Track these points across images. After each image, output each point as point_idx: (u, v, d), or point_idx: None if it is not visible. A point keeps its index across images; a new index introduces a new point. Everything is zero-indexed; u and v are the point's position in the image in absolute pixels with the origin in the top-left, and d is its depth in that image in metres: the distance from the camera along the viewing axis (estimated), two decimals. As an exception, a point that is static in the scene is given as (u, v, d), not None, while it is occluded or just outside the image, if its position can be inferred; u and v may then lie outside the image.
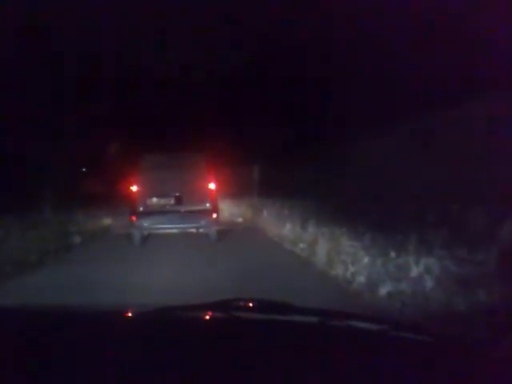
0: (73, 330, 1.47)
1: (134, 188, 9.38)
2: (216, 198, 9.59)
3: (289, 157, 14.57)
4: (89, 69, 12.68)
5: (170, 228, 9.53)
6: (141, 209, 9.30)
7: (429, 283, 4.50)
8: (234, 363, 1.20)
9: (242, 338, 1.40)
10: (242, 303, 1.67)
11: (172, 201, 9.32)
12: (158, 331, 1.45)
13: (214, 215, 9.40)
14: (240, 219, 13.90)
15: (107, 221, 13.29)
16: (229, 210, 15.69)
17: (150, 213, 9.26)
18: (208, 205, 9.37)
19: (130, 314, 1.77)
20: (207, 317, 1.69)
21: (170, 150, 9.95)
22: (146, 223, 9.26)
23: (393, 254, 5.60)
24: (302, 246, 8.45)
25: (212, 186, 9.43)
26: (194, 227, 9.78)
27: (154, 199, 9.35)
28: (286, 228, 10.15)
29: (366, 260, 5.88)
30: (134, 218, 9.27)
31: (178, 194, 9.29)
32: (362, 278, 5.47)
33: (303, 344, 1.36)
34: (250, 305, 1.68)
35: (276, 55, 11.62)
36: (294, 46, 10.82)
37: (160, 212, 9.28)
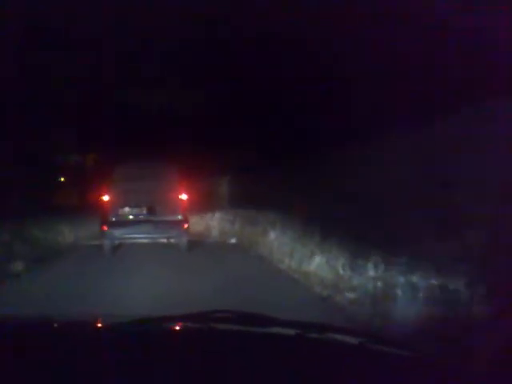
0: (45, 341, 1.42)
1: (106, 198, 9.48)
2: (187, 208, 9.80)
3: (259, 168, 14.44)
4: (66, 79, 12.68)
5: (141, 238, 9.67)
6: (113, 218, 9.40)
7: None
8: (211, 375, 1.19)
9: (219, 350, 1.39)
10: (220, 315, 1.64)
11: (144, 211, 9.45)
12: (133, 342, 1.43)
13: (185, 226, 9.60)
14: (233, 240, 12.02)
15: (70, 235, 12.15)
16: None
17: (121, 222, 9.36)
18: (179, 215, 9.56)
19: (104, 325, 1.73)
20: (185, 328, 1.67)
21: (142, 161, 10.05)
22: (117, 233, 9.35)
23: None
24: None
25: (184, 196, 9.63)
26: (166, 237, 9.97)
27: (126, 209, 9.45)
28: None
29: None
30: (105, 228, 9.35)
31: (150, 204, 9.43)
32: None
33: (282, 357, 1.35)
34: (229, 316, 1.65)
35: (250, 64, 11.85)
36: (268, 52, 11.07)
37: (132, 222, 9.40)
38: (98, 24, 11.12)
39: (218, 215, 14.37)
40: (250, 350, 1.40)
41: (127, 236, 9.50)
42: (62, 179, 25.09)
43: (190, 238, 9.91)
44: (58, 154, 18.35)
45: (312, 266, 7.45)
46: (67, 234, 12.06)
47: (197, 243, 10.50)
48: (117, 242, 9.66)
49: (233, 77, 12.29)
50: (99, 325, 1.78)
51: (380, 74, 7.70)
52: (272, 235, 10.04)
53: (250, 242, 10.95)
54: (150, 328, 1.61)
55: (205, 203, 15.71)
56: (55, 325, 1.68)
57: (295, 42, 9.95)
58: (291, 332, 1.52)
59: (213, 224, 14.25)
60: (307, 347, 1.48)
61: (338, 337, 1.53)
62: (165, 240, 10.11)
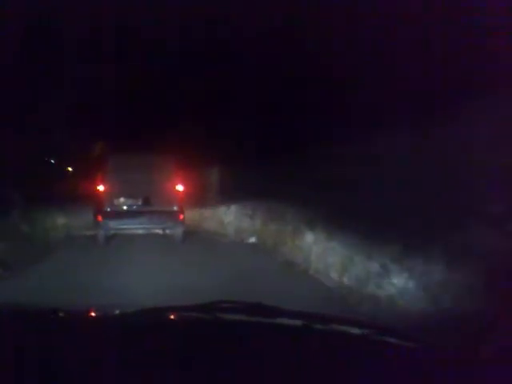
0: (55, 332, 1.43)
1: (101, 188, 9.39)
2: (183, 199, 9.72)
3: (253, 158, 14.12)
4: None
5: (136, 228, 9.61)
6: (108, 209, 9.31)
7: None
8: (219, 365, 1.21)
9: (225, 340, 1.41)
10: (228, 305, 1.66)
11: (139, 201, 9.38)
12: (143, 332, 1.44)
13: (181, 216, 9.53)
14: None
15: (64, 225, 11.80)
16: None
17: (116, 213, 9.28)
18: (175, 206, 9.48)
19: (109, 316, 1.75)
20: (190, 318, 1.67)
21: (138, 151, 9.97)
22: (112, 223, 9.28)
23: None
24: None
25: (179, 187, 9.55)
26: (161, 228, 9.90)
27: (122, 199, 9.37)
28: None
29: None
30: (100, 218, 9.26)
31: (145, 195, 9.35)
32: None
33: (289, 347, 1.37)
34: (234, 306, 1.67)
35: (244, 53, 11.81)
36: (258, 39, 11.03)
37: (127, 212, 9.33)
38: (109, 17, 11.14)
39: (233, 209, 12.49)
40: (256, 340, 1.41)
41: (122, 227, 9.43)
42: (70, 169, 25.15)
43: (185, 229, 9.83)
44: (66, 145, 18.16)
45: (387, 289, 5.12)
46: (61, 224, 11.84)
47: (208, 243, 9.91)
48: (111, 232, 9.58)
49: (230, 66, 12.26)
50: (104, 315, 1.78)
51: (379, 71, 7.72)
52: (309, 237, 7.86)
53: (275, 243, 9.10)
54: (155, 318, 1.61)
55: (214, 195, 15.07)
56: (61, 316, 1.65)
57: (294, 37, 9.95)
58: (297, 322, 1.53)
59: (228, 219, 12.42)
60: (313, 337, 1.48)
61: (344, 328, 1.55)
62: (160, 231, 10.03)
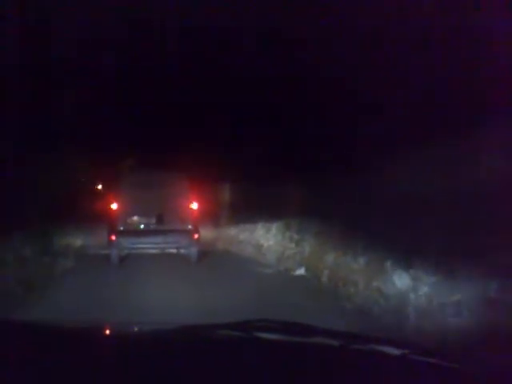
0: (92, 347, 1.46)
1: (114, 206, 9.18)
2: (198, 218, 9.46)
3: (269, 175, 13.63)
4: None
5: (150, 248, 9.37)
6: (121, 228, 9.09)
7: None
8: None
9: (263, 359, 1.40)
10: (263, 324, 1.64)
11: (153, 220, 9.15)
12: (178, 350, 1.45)
13: (196, 236, 9.25)
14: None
15: (81, 243, 11.63)
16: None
17: (130, 232, 9.06)
18: (190, 225, 9.22)
19: (149, 332, 1.76)
20: (227, 337, 1.66)
21: (149, 168, 9.82)
22: (125, 242, 9.06)
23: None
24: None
25: (194, 205, 9.30)
26: (175, 247, 9.63)
27: (135, 218, 9.16)
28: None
29: None
30: (113, 237, 9.03)
31: (159, 213, 9.12)
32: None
33: (325, 367, 1.36)
34: (271, 325, 1.65)
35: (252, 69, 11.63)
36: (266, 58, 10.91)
37: (140, 231, 9.10)
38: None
39: (274, 230, 10.81)
40: (293, 360, 1.41)
41: (135, 246, 9.20)
42: (99, 187, 25.28)
43: (200, 249, 9.53)
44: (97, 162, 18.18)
45: None
46: (75, 243, 11.80)
47: (242, 274, 7.97)
48: (125, 251, 9.35)
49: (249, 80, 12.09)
50: (139, 332, 1.79)
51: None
52: (402, 280, 5.59)
53: (335, 280, 6.95)
54: (191, 336, 1.62)
55: (236, 213, 13.88)
56: (96, 332, 1.69)
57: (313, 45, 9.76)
58: (334, 342, 1.52)
59: (267, 243, 10.56)
60: (350, 357, 1.47)
61: (381, 348, 1.51)
62: (174, 250, 9.76)
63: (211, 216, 13.06)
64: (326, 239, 8.39)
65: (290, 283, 7.49)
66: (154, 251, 9.56)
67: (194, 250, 9.33)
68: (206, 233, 13.07)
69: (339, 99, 9.28)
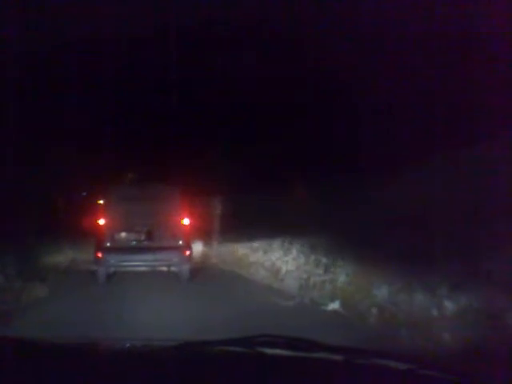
0: (88, 364, 1.45)
1: (102, 221, 8.70)
2: (190, 234, 8.99)
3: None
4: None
5: (139, 266, 8.88)
6: (108, 244, 8.61)
7: None
8: None
9: (266, 374, 1.41)
10: (266, 339, 1.64)
11: (142, 236, 8.68)
12: (182, 366, 1.45)
13: (187, 252, 8.78)
14: None
15: (67, 258, 11.33)
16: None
17: (117, 249, 8.58)
18: (181, 241, 8.74)
19: (150, 349, 1.73)
20: (231, 352, 1.64)
21: (138, 181, 9.35)
22: (112, 260, 8.58)
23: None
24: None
25: (186, 221, 8.83)
26: (166, 265, 9.13)
27: (123, 234, 8.69)
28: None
29: None
30: (99, 255, 8.55)
31: (148, 229, 8.66)
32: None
33: (329, 382, 1.37)
34: (274, 341, 1.64)
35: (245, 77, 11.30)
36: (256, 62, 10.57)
37: (129, 248, 8.61)
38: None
39: (296, 251, 9.06)
40: (297, 375, 1.43)
41: (123, 264, 8.71)
42: (100, 201, 24.69)
43: (192, 266, 9.04)
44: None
45: None
46: (68, 257, 11.46)
47: (255, 305, 6.19)
48: (112, 269, 8.85)
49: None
50: (146, 349, 1.75)
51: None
52: None
53: (394, 321, 5.19)
54: (194, 352, 1.62)
55: (252, 228, 11.57)
56: (98, 348, 1.70)
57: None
58: (338, 357, 1.52)
59: (286, 267, 8.81)
60: (355, 372, 1.46)
61: (386, 362, 1.49)
62: (165, 268, 9.26)
63: (210, 232, 12.26)
64: (371, 267, 6.44)
65: (321, 322, 5.47)
66: (143, 269, 9.04)
67: (185, 268, 8.85)
68: (207, 251, 12.34)
69: (350, 104, 8.91)
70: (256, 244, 10.65)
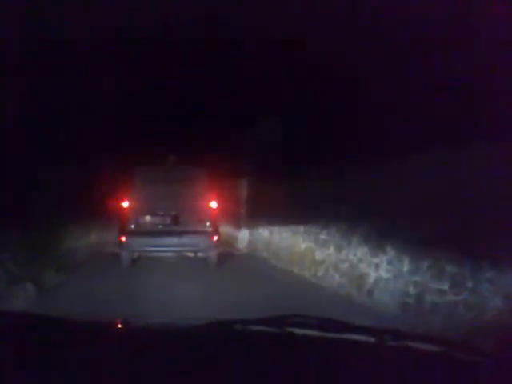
0: (122, 341, 1.47)
1: (125, 204, 8.29)
2: (217, 218, 8.50)
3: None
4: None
5: (164, 251, 8.46)
6: (132, 227, 8.20)
7: None
8: (288, 380, 1.22)
9: (298, 354, 1.41)
10: (295, 319, 1.66)
11: (168, 220, 8.25)
12: (213, 345, 1.45)
13: (215, 238, 8.30)
14: None
15: (96, 239, 11.41)
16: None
17: (142, 233, 8.17)
18: (208, 226, 8.26)
19: (182, 327, 1.74)
20: (261, 332, 1.64)
21: (164, 162, 8.85)
22: (136, 244, 8.18)
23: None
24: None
25: (213, 204, 8.33)
26: (192, 250, 8.69)
27: (148, 217, 8.28)
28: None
29: None
30: (123, 238, 8.16)
31: (174, 213, 8.21)
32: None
33: (360, 363, 1.34)
34: (305, 321, 1.65)
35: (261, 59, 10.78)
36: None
37: (153, 232, 8.19)
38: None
39: (391, 250, 5.89)
40: (328, 356, 1.41)
41: (147, 249, 8.30)
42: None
43: (220, 252, 8.57)
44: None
45: None
46: (92, 240, 11.10)
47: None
48: (136, 254, 8.46)
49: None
50: (171, 327, 1.76)
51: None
52: None
53: None
54: (224, 331, 1.62)
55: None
56: (126, 325, 1.67)
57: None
58: (370, 339, 1.51)
59: (375, 272, 6.08)
60: (387, 354, 1.46)
61: (417, 344, 1.47)
62: (191, 254, 8.81)
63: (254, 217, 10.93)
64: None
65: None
66: (168, 254, 8.62)
67: (213, 254, 8.41)
68: (253, 240, 10.93)
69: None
70: (323, 236, 7.68)
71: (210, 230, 8.28)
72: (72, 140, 12.30)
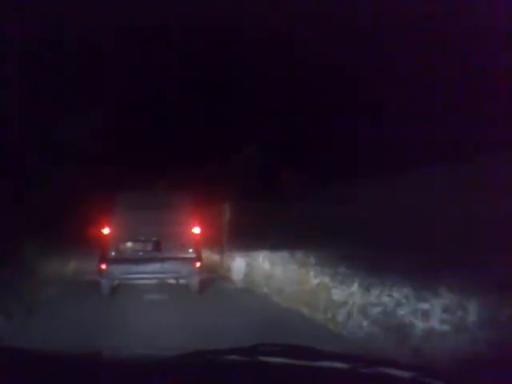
0: (96, 375, 1.45)
1: (106, 230, 8.12)
2: (200, 243, 8.38)
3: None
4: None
5: (145, 278, 8.27)
6: (112, 254, 8.02)
7: None
8: None
9: (269, 383, 1.41)
10: (266, 348, 1.65)
11: (149, 246, 8.09)
12: (188, 376, 1.45)
13: (198, 264, 8.16)
14: None
15: (75, 268, 11.13)
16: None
17: (122, 260, 7.99)
18: (191, 252, 8.13)
19: (155, 357, 1.72)
20: (232, 361, 1.63)
21: (145, 187, 8.75)
22: (117, 271, 7.99)
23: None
24: None
25: (196, 230, 8.22)
26: (174, 277, 8.52)
27: (129, 244, 8.11)
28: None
29: None
30: (103, 266, 7.96)
31: (156, 239, 8.07)
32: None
33: None
34: (276, 349, 1.64)
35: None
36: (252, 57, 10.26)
37: (135, 259, 8.01)
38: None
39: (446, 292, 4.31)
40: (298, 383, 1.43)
41: (128, 276, 8.09)
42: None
43: (202, 278, 8.41)
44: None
45: None
46: (70, 267, 10.92)
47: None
48: (116, 282, 8.26)
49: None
50: (144, 359, 1.74)
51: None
52: None
53: None
54: (200, 361, 1.61)
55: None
56: (102, 358, 1.65)
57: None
58: (341, 365, 1.51)
59: (422, 323, 4.44)
60: (359, 381, 1.46)
61: (389, 370, 1.47)
62: (173, 281, 8.64)
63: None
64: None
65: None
66: (149, 281, 8.43)
67: (195, 281, 8.25)
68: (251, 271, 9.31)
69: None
70: (343, 269, 6.38)
71: (192, 256, 8.14)
72: (48, 165, 12.16)
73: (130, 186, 9.09)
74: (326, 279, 6.52)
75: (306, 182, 11.02)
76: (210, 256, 11.73)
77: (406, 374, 1.45)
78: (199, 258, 8.23)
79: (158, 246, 8.07)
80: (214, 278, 9.71)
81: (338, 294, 6.10)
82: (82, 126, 13.04)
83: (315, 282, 6.79)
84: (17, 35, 8.68)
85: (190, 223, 8.20)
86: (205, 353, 1.64)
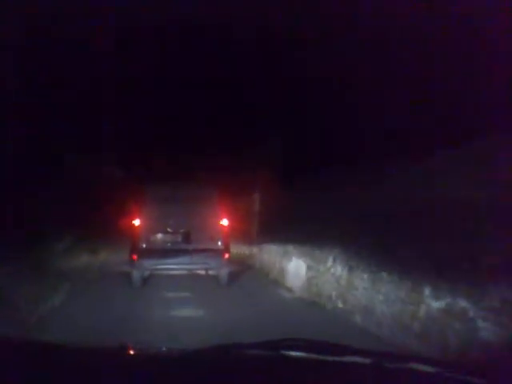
0: (120, 370, 1.45)
1: (137, 222, 8.28)
2: (228, 235, 8.47)
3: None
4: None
5: (175, 269, 8.44)
6: (143, 246, 8.19)
7: None
8: None
9: (293, 378, 1.41)
10: (291, 343, 1.63)
11: (179, 238, 8.22)
12: (212, 369, 1.47)
13: (226, 255, 8.26)
14: None
15: (103, 259, 11.54)
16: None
17: (153, 251, 8.15)
18: (220, 243, 8.23)
19: (179, 352, 1.75)
20: (257, 356, 1.66)
21: (177, 180, 8.85)
22: (148, 263, 8.16)
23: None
24: None
25: (224, 222, 8.31)
26: (203, 268, 8.65)
27: (159, 235, 8.26)
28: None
29: None
30: (134, 257, 8.15)
31: (185, 231, 8.18)
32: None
33: None
34: (300, 344, 1.64)
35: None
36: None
37: (165, 250, 8.16)
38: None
39: None
40: (325, 379, 1.41)
41: (159, 267, 8.27)
42: None
43: (231, 270, 8.52)
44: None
45: None
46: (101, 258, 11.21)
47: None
48: (147, 272, 8.44)
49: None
50: (171, 353, 1.80)
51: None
52: None
53: None
54: (223, 355, 1.61)
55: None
56: (127, 352, 1.68)
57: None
58: (366, 361, 1.50)
59: None
60: (382, 376, 1.44)
61: (413, 365, 1.47)
62: (202, 272, 8.78)
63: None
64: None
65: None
66: (179, 272, 8.59)
67: (224, 272, 8.36)
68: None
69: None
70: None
71: (221, 247, 8.25)
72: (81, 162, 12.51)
73: (159, 178, 9.19)
74: (463, 303, 3.94)
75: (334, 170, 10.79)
76: (241, 250, 11.56)
77: (430, 369, 1.45)
78: (227, 250, 8.33)
79: (187, 238, 8.19)
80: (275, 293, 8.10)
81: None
82: (113, 120, 13.28)
83: (436, 305, 4.35)
84: (17, 35, 8.91)
85: (218, 215, 8.29)
86: (229, 347, 1.64)
